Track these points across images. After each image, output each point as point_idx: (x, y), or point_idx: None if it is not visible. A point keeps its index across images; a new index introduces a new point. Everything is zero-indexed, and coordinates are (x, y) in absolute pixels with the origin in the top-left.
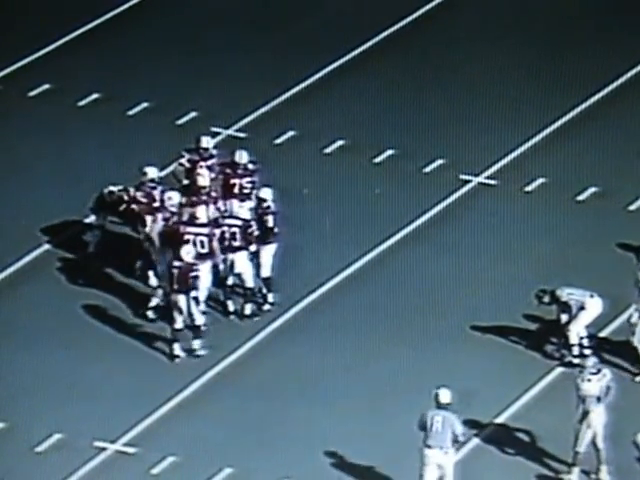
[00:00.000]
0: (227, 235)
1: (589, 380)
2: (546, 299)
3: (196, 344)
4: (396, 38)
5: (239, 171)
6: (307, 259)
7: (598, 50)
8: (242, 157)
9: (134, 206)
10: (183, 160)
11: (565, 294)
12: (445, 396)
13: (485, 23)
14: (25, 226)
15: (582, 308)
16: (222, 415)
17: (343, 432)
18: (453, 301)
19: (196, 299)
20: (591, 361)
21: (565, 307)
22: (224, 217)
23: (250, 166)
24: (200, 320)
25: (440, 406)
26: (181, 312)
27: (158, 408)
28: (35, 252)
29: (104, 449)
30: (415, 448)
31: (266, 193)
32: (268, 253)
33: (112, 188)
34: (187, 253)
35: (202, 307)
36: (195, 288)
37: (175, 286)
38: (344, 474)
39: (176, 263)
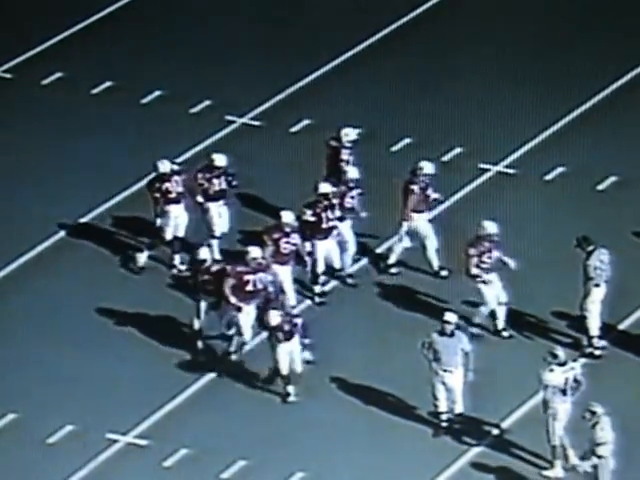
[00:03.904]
0: None
1: (552, 370)
2: (584, 247)
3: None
4: (414, 25)
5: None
6: None
7: (618, 37)
8: (354, 173)
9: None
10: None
11: (593, 267)
12: (451, 317)
13: (504, 10)
14: (37, 216)
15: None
16: (236, 407)
17: (360, 426)
18: (471, 291)
19: None
20: (561, 351)
21: (584, 271)
22: None
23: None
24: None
25: (445, 328)
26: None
27: (171, 400)
28: (49, 242)
29: (116, 441)
30: (437, 447)
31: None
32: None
33: None
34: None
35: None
36: None
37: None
38: (361, 466)
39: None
